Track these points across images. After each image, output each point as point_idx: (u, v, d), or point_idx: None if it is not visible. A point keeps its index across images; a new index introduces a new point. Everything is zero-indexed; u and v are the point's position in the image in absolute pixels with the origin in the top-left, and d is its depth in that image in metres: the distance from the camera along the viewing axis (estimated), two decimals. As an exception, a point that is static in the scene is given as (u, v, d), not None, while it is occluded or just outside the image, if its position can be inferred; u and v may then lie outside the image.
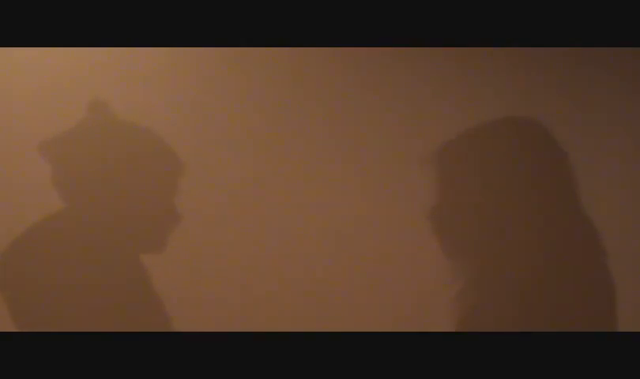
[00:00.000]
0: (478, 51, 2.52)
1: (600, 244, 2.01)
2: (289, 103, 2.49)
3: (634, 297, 2.24)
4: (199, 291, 2.36)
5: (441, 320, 2.19)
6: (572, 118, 2.14)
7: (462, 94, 2.53)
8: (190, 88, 2.46)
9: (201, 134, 2.44)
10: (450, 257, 2.10)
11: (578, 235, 2.01)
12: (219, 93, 2.47)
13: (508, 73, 2.53)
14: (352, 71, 2.51)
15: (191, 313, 2.35)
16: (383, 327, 2.37)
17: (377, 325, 2.39)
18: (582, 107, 2.53)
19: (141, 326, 2.11)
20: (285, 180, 2.45)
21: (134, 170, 2.18)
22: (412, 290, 2.46)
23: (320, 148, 2.49)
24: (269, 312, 2.38)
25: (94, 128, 2.20)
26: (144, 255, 2.21)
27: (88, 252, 2.11)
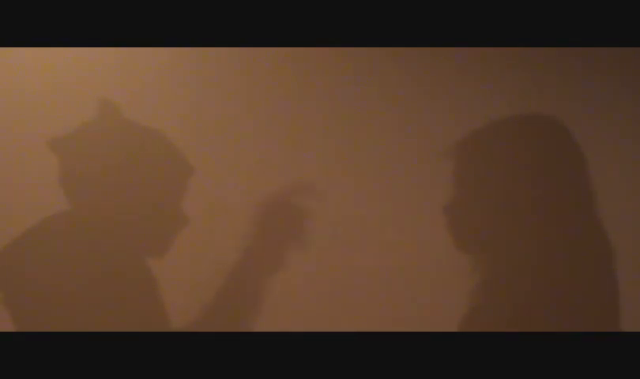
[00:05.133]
0: (478, 51, 2.52)
1: (603, 243, 2.01)
2: (289, 103, 2.49)
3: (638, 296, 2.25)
4: (200, 292, 2.36)
5: (442, 320, 2.19)
6: (572, 118, 2.14)
7: (463, 94, 2.53)
8: (190, 88, 2.46)
9: (201, 134, 2.44)
10: (453, 256, 2.10)
11: (579, 234, 2.01)
12: (220, 94, 2.47)
13: (508, 73, 2.53)
14: (352, 71, 2.51)
15: (192, 313, 2.35)
16: (383, 327, 2.37)
17: (377, 325, 2.39)
18: (582, 107, 2.53)
19: (141, 326, 2.11)
20: (286, 180, 2.45)
21: (135, 171, 2.18)
22: (414, 290, 2.46)
23: (321, 147, 2.49)
24: (270, 312, 2.38)
25: (95, 128, 2.20)
26: (145, 255, 2.21)
27: (88, 252, 2.11)
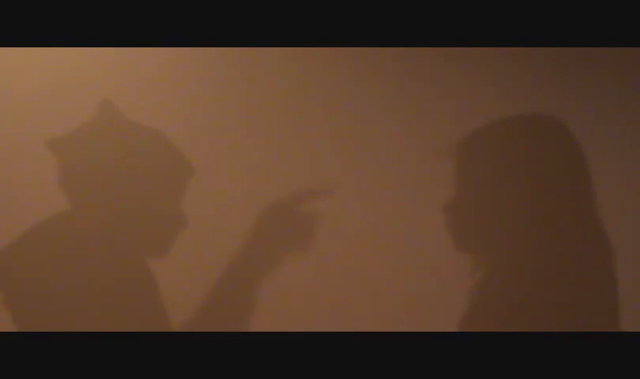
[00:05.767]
0: (478, 51, 2.51)
1: (603, 243, 2.01)
2: (290, 103, 2.49)
3: (638, 296, 2.25)
4: (200, 292, 2.36)
5: (442, 321, 2.19)
6: (572, 118, 2.14)
7: (463, 94, 2.53)
8: (190, 88, 2.46)
9: (202, 134, 2.44)
10: (453, 256, 2.10)
11: (579, 234, 2.01)
12: (220, 93, 2.47)
13: (508, 73, 2.53)
14: (353, 71, 2.51)
15: (192, 313, 2.35)
16: (383, 327, 2.37)
17: (377, 325, 2.39)
18: (582, 107, 2.53)
19: (141, 326, 2.11)
20: (286, 180, 2.45)
21: (135, 171, 2.18)
22: (413, 290, 2.46)
23: (321, 148, 2.49)
24: (269, 312, 2.38)
25: (95, 128, 2.20)
26: (145, 255, 2.21)
27: (88, 252, 2.11)
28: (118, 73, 2.42)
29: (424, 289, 2.45)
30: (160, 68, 2.44)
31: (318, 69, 2.50)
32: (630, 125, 2.56)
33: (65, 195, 2.19)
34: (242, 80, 2.48)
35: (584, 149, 2.09)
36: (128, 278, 2.15)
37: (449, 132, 2.38)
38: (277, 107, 2.49)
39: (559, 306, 1.95)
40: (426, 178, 2.47)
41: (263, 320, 2.37)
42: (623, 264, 2.03)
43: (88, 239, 2.13)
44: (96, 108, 2.22)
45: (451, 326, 2.07)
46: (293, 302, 2.42)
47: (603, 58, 2.55)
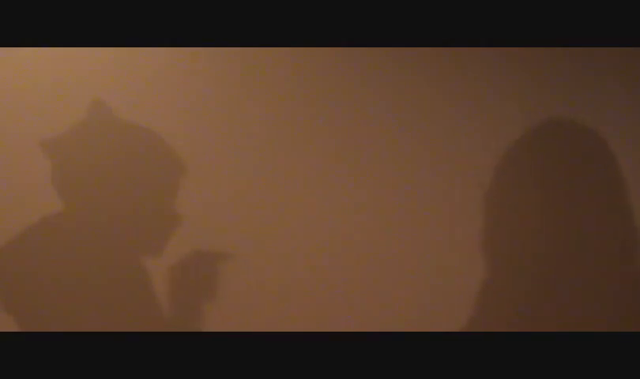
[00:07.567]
0: (478, 51, 2.51)
1: (603, 243, 2.02)
2: (290, 103, 2.49)
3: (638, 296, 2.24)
4: (199, 292, 2.36)
5: (442, 321, 2.19)
6: (572, 118, 2.14)
7: (463, 94, 2.53)
8: (190, 88, 2.46)
9: (201, 134, 2.44)
10: (453, 256, 2.10)
11: (579, 234, 2.01)
12: (219, 94, 2.47)
13: (508, 73, 2.53)
14: (353, 71, 2.51)
15: (191, 313, 2.35)
16: (384, 327, 2.37)
17: (378, 325, 2.39)
18: (583, 107, 2.53)
19: (141, 326, 2.11)
20: (285, 180, 2.45)
21: (134, 170, 2.18)
22: (414, 290, 2.45)
23: (321, 148, 2.49)
24: (270, 312, 2.38)
25: (94, 128, 2.20)
26: (144, 255, 2.21)
27: (88, 252, 2.11)
28: (118, 73, 2.42)
29: (425, 289, 2.45)
30: (160, 68, 2.44)
31: (318, 69, 2.50)
32: (631, 125, 2.56)
33: (63, 195, 2.19)
34: (242, 80, 2.48)
35: (584, 149, 2.09)
36: (127, 278, 2.15)
37: (450, 132, 2.38)
38: (277, 107, 2.49)
39: (560, 307, 1.95)
40: (426, 179, 2.47)
41: (261, 321, 2.36)
42: (623, 264, 2.03)
43: (87, 239, 2.13)
44: (94, 108, 2.22)
45: (451, 326, 2.07)
46: (293, 302, 2.42)
47: (603, 58, 2.55)
